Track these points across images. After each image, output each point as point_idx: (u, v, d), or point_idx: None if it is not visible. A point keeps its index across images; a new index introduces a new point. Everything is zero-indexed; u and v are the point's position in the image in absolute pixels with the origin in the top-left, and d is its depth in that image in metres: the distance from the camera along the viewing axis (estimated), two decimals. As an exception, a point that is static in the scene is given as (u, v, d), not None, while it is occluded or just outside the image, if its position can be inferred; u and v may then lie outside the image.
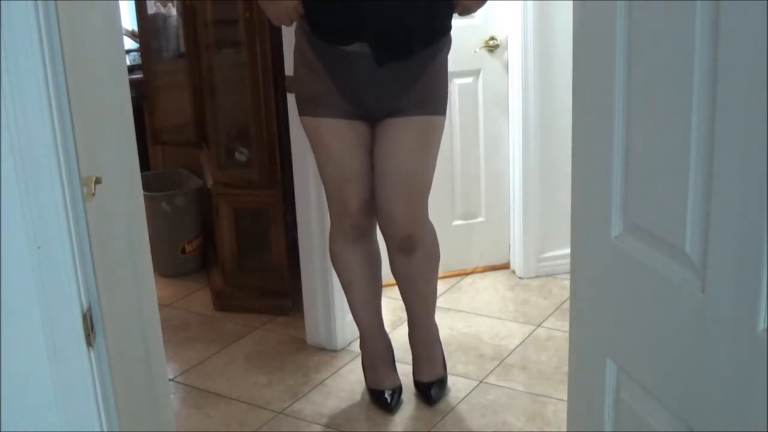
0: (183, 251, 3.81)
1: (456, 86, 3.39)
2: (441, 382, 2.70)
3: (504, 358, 2.92)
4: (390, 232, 2.48)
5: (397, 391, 2.65)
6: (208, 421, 2.64)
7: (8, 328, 1.09)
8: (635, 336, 1.17)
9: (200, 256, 3.88)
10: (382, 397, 2.63)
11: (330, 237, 2.63)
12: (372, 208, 2.50)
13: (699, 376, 1.00)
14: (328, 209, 2.61)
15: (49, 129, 1.05)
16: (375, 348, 2.69)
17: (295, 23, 2.45)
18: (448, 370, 2.77)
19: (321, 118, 2.42)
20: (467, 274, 3.63)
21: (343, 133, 2.41)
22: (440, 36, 2.39)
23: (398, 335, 2.89)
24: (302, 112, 2.48)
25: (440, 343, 2.75)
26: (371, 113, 2.41)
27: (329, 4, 2.31)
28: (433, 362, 2.71)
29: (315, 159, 2.54)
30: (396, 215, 2.43)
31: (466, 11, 2.44)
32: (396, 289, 2.68)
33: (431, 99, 2.40)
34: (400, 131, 2.39)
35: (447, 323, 3.18)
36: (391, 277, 2.64)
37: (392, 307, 3.16)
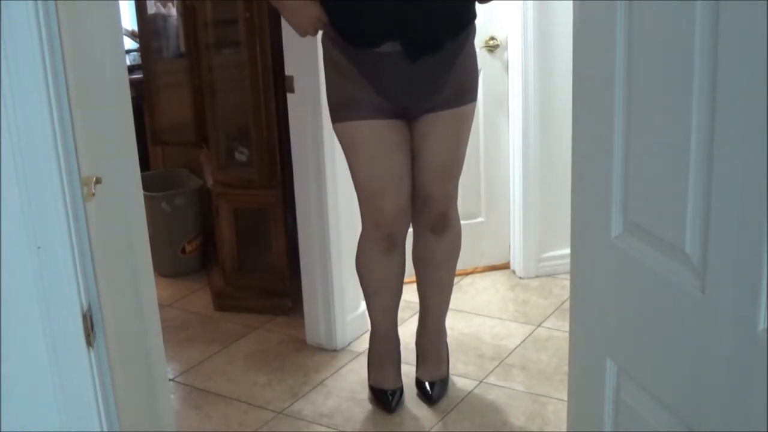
0: (183, 251, 3.81)
1: (456, 86, 3.39)
2: (443, 382, 2.70)
3: (504, 358, 2.92)
4: (427, 210, 2.54)
5: (399, 392, 2.66)
6: (208, 421, 2.64)
7: (8, 328, 1.09)
8: (635, 336, 1.17)
9: (200, 256, 3.88)
10: (384, 397, 2.64)
11: (360, 244, 2.59)
12: (407, 217, 2.52)
13: (699, 376, 1.00)
14: (360, 217, 2.56)
15: (49, 129, 1.05)
16: (386, 347, 2.70)
17: (320, 32, 2.46)
18: (449, 370, 2.77)
19: (359, 121, 2.40)
20: (467, 274, 3.63)
21: (383, 133, 2.41)
22: (467, 25, 2.44)
23: (401, 333, 2.88)
24: (337, 119, 2.45)
25: (447, 343, 2.76)
26: (409, 111, 2.43)
27: (354, 9, 2.32)
28: (439, 361, 2.71)
29: (349, 167, 2.50)
30: (435, 195, 2.52)
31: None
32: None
33: (464, 89, 2.47)
34: (437, 124, 2.45)
35: (447, 323, 3.16)
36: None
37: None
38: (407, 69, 2.33)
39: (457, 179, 2.58)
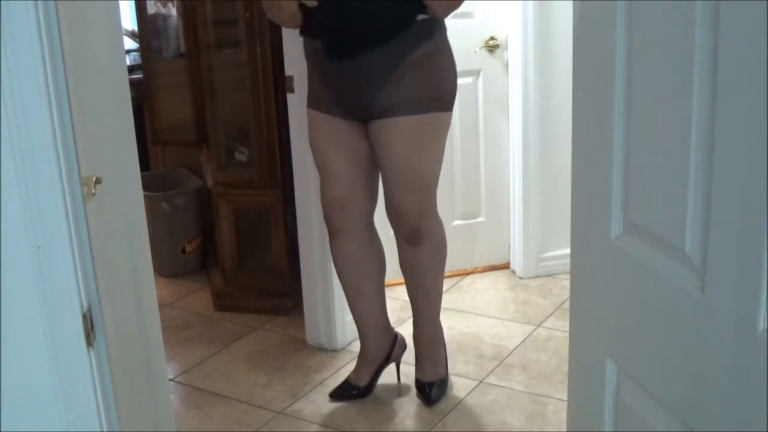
0: (183, 251, 3.81)
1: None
2: (442, 383, 2.70)
3: (504, 358, 2.92)
4: (397, 223, 2.56)
5: (356, 390, 2.70)
6: (208, 421, 2.64)
7: (8, 328, 1.09)
8: (635, 336, 1.17)
9: (200, 256, 3.88)
10: (343, 385, 2.72)
11: None
12: (344, 210, 2.56)
13: (699, 376, 1.00)
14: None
15: (49, 129, 1.05)
16: (362, 341, 2.76)
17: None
18: (448, 370, 2.77)
19: (312, 110, 2.54)
20: (467, 274, 3.63)
21: (326, 127, 2.51)
22: (392, 32, 2.34)
23: (405, 334, 2.88)
24: (307, 103, 2.59)
25: (444, 344, 2.75)
26: (358, 112, 2.44)
27: (311, 7, 2.37)
28: (436, 362, 2.71)
29: None
30: (402, 207, 2.50)
31: (438, 12, 2.36)
32: (398, 288, 2.69)
33: (424, 97, 2.40)
34: (390, 130, 2.42)
35: (447, 323, 3.17)
36: (396, 275, 2.65)
37: (393, 307, 3.15)
38: (345, 67, 2.38)
39: (428, 192, 2.52)
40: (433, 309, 2.68)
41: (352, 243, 2.61)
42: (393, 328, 2.77)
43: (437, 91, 2.43)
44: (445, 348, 2.76)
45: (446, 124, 2.50)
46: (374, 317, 2.70)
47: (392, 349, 2.74)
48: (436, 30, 2.41)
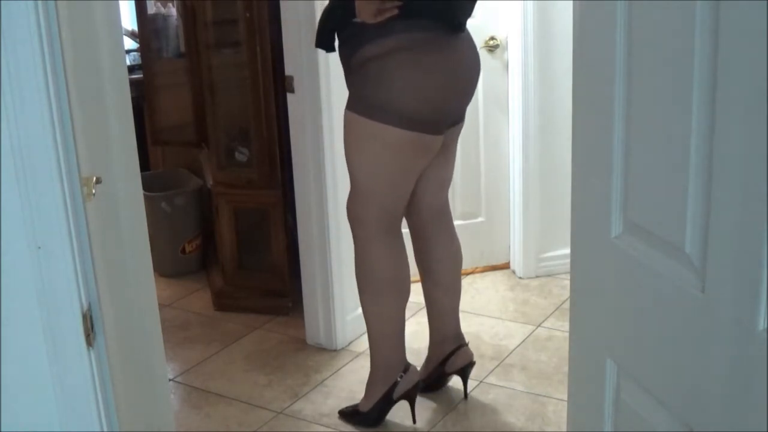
0: (183, 251, 3.81)
1: (456, 86, 3.39)
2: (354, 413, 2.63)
3: (504, 358, 2.92)
4: None
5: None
6: (208, 421, 2.64)
7: (8, 328, 1.09)
8: (635, 336, 1.17)
9: (200, 256, 3.88)
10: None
11: None
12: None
13: (699, 376, 1.00)
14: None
15: (49, 129, 1.05)
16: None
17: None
18: (447, 370, 2.77)
19: None
20: (467, 274, 3.63)
21: None
22: (323, 37, 2.41)
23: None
24: None
25: (376, 371, 2.62)
26: None
27: None
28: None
29: None
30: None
31: (360, 13, 2.28)
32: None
33: (351, 94, 2.42)
34: None
35: (447, 323, 3.18)
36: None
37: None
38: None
39: (358, 195, 2.41)
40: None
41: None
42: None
43: (365, 97, 2.34)
44: (375, 374, 2.59)
45: (369, 134, 2.34)
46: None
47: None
48: (380, 37, 2.27)
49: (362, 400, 2.59)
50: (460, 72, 2.37)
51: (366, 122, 2.34)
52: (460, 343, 2.66)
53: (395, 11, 2.23)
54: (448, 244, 2.63)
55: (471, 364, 2.66)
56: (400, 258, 2.48)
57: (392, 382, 2.52)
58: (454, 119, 2.45)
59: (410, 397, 2.53)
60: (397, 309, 2.50)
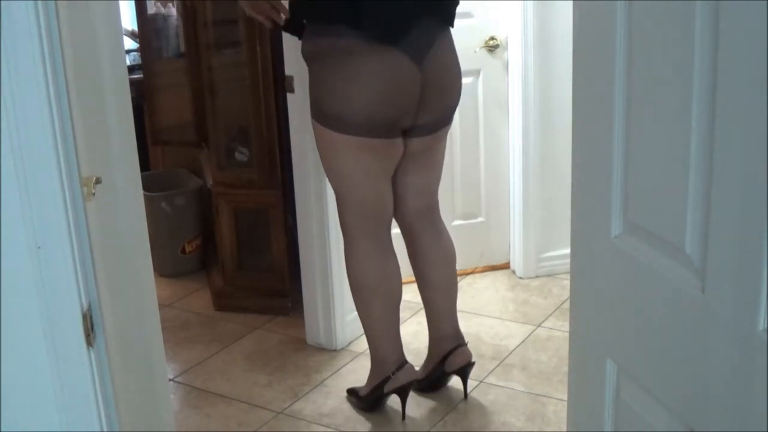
0: (183, 251, 3.81)
1: (456, 86, 3.39)
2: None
3: (504, 358, 2.92)
4: None
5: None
6: (208, 421, 2.64)
7: (8, 328, 1.09)
8: (635, 336, 1.17)
9: (200, 256, 3.88)
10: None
11: None
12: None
13: (699, 376, 1.00)
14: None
15: (49, 129, 1.05)
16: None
17: None
18: (447, 370, 2.77)
19: None
20: (467, 274, 3.63)
21: None
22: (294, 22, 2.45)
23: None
24: None
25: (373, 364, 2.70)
26: None
27: None
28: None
29: None
30: None
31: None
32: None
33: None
34: None
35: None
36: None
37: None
38: None
39: (337, 200, 2.50)
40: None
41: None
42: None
43: (313, 101, 2.41)
44: (372, 366, 2.65)
45: (326, 139, 2.38)
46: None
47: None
48: (307, 36, 2.38)
49: (364, 385, 2.66)
50: (394, 82, 2.31)
51: (319, 127, 2.40)
52: (459, 343, 2.66)
53: (269, 24, 2.50)
54: (436, 245, 2.63)
55: (470, 364, 2.66)
56: (382, 263, 2.51)
57: (385, 377, 2.56)
58: (403, 126, 2.40)
59: (400, 393, 2.56)
60: (382, 312, 2.54)
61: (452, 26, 2.41)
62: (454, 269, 2.70)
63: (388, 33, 2.26)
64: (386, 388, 2.57)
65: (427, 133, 2.46)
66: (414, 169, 2.52)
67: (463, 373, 2.66)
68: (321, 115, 2.38)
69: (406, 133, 2.43)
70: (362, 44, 2.26)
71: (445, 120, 2.50)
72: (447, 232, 2.67)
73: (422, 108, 2.38)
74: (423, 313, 2.75)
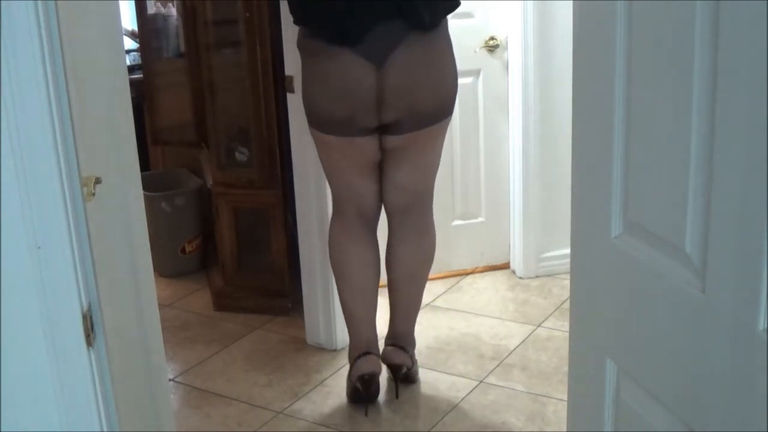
0: (183, 251, 3.81)
1: (456, 86, 3.39)
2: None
3: (504, 358, 2.92)
4: None
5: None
6: (207, 421, 2.64)
7: (8, 328, 1.09)
8: (635, 336, 1.17)
9: (200, 256, 3.88)
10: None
11: None
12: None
13: (699, 376, 1.00)
14: None
15: (49, 129, 1.05)
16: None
17: None
18: (447, 370, 2.76)
19: None
20: (467, 274, 3.63)
21: None
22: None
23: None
24: None
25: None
26: None
27: None
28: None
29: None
30: None
31: None
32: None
33: None
34: None
35: (447, 323, 3.18)
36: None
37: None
38: None
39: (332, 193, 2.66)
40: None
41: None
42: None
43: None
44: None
45: (315, 139, 2.56)
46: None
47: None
48: (298, 34, 2.53)
49: None
50: (345, 82, 2.38)
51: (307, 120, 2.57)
52: (395, 342, 2.72)
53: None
54: (404, 244, 2.66)
55: (397, 366, 2.69)
56: (352, 249, 2.62)
57: (352, 362, 2.65)
58: (365, 125, 2.43)
59: (362, 383, 2.59)
60: (348, 296, 2.66)
61: (426, 30, 2.38)
62: (421, 273, 2.70)
63: (338, 36, 2.35)
64: (352, 377, 2.63)
65: (403, 132, 2.46)
66: (393, 165, 2.56)
67: (393, 373, 2.72)
68: (307, 114, 2.55)
69: (383, 131, 2.47)
70: (325, 46, 2.38)
71: (421, 120, 2.45)
72: (429, 236, 2.67)
73: (385, 107, 2.40)
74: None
